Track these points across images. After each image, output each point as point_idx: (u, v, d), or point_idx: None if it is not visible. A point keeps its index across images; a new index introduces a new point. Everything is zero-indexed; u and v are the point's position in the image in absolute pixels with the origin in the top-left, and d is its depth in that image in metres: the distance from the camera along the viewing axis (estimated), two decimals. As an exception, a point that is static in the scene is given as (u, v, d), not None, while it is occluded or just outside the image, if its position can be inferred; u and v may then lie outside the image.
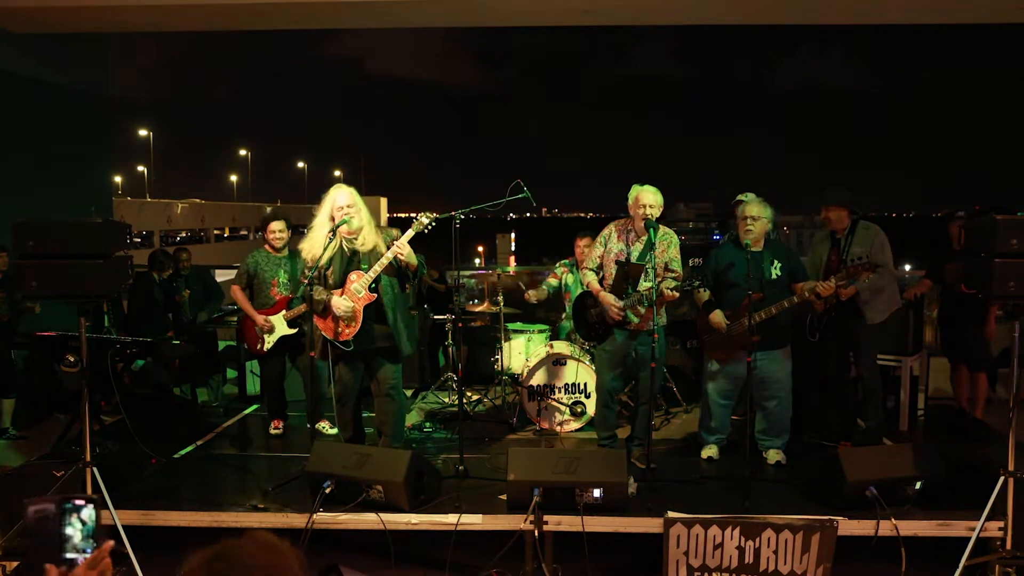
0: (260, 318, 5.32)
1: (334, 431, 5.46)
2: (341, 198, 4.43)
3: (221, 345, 7.15)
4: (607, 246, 4.84)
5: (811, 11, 6.71)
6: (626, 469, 4.01)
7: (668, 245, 4.73)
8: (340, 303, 4.41)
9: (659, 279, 4.60)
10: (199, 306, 6.79)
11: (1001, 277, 3.64)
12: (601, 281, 4.83)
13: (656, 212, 4.67)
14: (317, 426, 5.52)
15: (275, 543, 1.36)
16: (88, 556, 1.56)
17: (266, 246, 5.48)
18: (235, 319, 6.33)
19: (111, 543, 1.58)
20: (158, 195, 45.73)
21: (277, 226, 5.42)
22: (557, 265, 6.44)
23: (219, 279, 7.34)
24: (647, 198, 4.66)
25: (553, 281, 6.34)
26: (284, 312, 5.35)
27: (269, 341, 5.35)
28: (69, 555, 1.56)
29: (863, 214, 5.06)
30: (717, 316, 4.68)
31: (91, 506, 1.59)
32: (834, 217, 4.98)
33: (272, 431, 5.60)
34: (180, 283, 6.70)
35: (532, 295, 6.31)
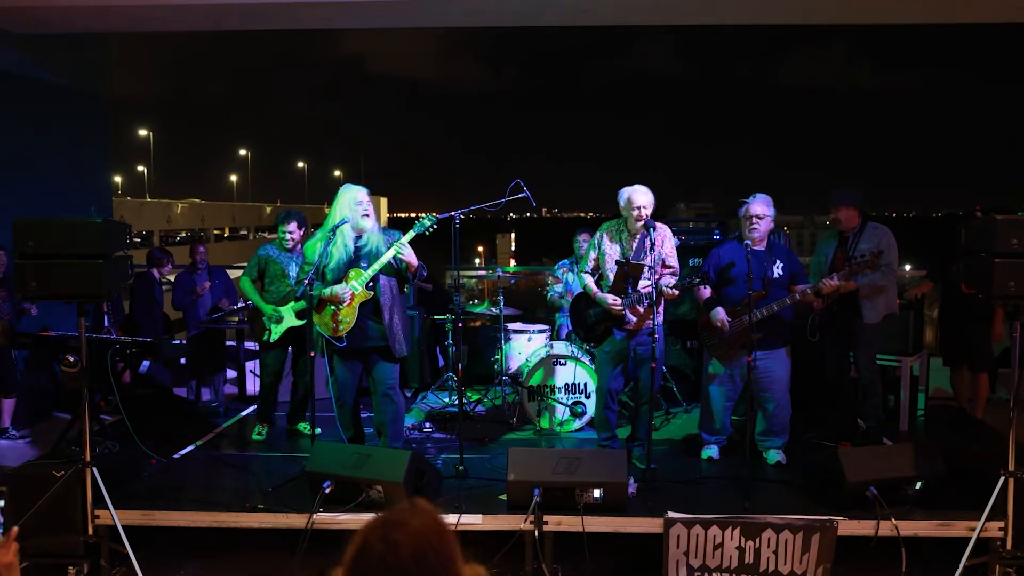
0: (268, 307, 5.32)
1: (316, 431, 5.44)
2: (360, 194, 4.51)
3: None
4: (600, 249, 4.85)
5: (811, 11, 6.71)
6: (626, 469, 4.01)
7: (663, 241, 4.74)
8: (336, 288, 4.44)
9: (657, 276, 4.61)
10: (219, 300, 6.73)
11: (1001, 277, 3.66)
12: (598, 283, 4.85)
13: (650, 211, 4.68)
14: (298, 426, 5.54)
15: (436, 511, 1.41)
16: None
17: (278, 242, 5.50)
18: (235, 318, 6.32)
19: (16, 529, 1.64)
20: (158, 195, 45.75)
21: (290, 227, 5.46)
22: (556, 267, 6.47)
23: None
24: (640, 199, 4.67)
25: (558, 287, 6.40)
26: (293, 305, 5.32)
27: (276, 331, 5.31)
28: None
29: (871, 214, 5.08)
30: (717, 314, 4.69)
31: None
32: (844, 217, 5.01)
33: (255, 436, 5.44)
34: (199, 276, 6.66)
35: (553, 293, 6.44)
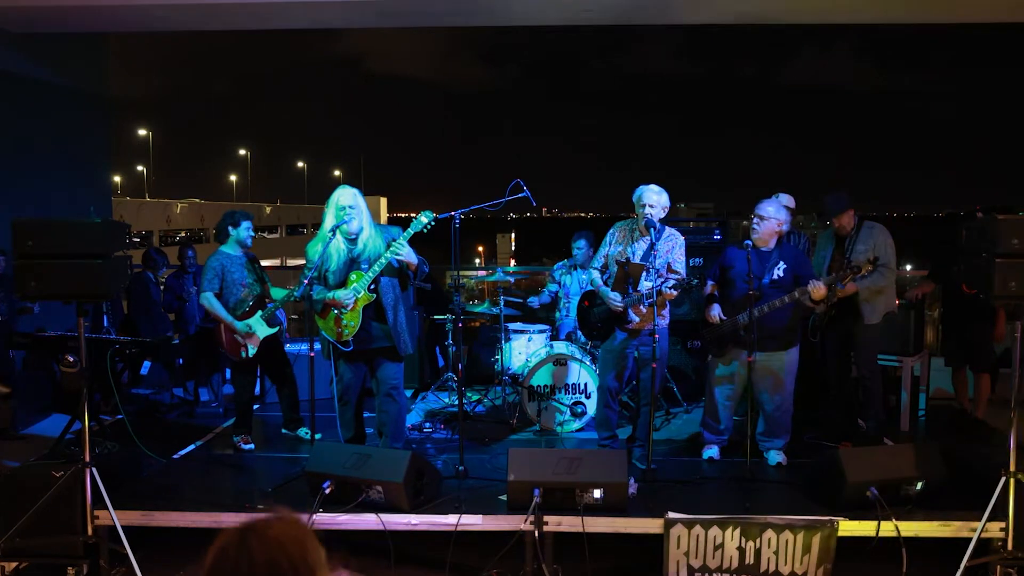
0: (241, 327, 5.05)
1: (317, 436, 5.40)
2: (343, 199, 4.46)
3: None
4: (611, 245, 4.86)
5: (812, 11, 6.70)
6: (626, 469, 4.00)
7: (672, 246, 4.73)
8: (340, 293, 4.44)
9: (661, 279, 4.60)
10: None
11: (1002, 277, 3.66)
12: (607, 280, 4.85)
13: (658, 212, 4.69)
14: (297, 432, 5.46)
15: (300, 519, 1.43)
16: None
17: (235, 244, 5.17)
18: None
19: None
20: (157, 195, 45.71)
21: (248, 224, 5.18)
22: (555, 268, 6.49)
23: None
24: (648, 198, 4.69)
25: (553, 286, 6.43)
26: (261, 313, 5.13)
27: (252, 350, 5.13)
28: None
29: (871, 213, 5.11)
30: (711, 310, 4.74)
31: None
32: (846, 222, 5.06)
33: (244, 446, 5.21)
34: (186, 280, 6.66)
35: (535, 303, 6.52)
